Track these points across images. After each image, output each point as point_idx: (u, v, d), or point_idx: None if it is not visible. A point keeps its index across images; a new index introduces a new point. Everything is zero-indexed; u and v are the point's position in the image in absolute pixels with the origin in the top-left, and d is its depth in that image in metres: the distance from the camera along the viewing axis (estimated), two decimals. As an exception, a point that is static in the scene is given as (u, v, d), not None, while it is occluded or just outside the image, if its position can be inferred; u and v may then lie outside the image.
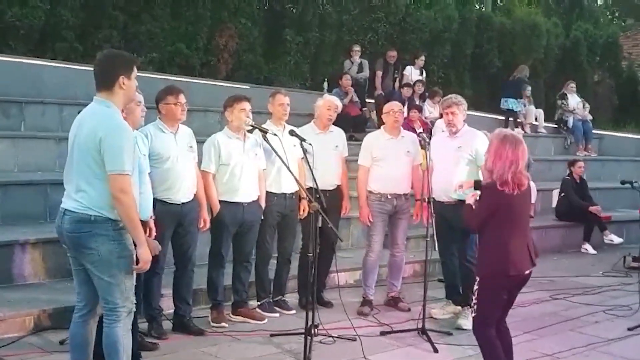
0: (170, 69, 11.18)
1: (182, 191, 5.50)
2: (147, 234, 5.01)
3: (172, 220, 5.45)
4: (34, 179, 7.32)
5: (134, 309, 4.09)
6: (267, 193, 6.15)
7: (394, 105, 6.70)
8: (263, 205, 6.09)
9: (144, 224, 4.72)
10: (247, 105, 5.92)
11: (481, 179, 5.92)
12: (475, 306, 4.58)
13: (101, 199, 3.81)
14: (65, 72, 9.49)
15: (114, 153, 3.76)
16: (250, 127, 5.89)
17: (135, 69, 3.99)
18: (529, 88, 14.82)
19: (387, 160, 6.44)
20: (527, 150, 4.55)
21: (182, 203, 5.50)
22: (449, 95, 6.52)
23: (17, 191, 7.02)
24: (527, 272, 4.54)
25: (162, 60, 11.27)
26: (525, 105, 14.34)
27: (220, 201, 5.86)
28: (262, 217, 6.13)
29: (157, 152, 5.36)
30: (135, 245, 3.92)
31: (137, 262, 3.92)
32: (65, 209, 3.91)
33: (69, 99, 8.78)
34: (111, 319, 3.95)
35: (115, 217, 3.84)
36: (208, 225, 5.81)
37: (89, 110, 3.97)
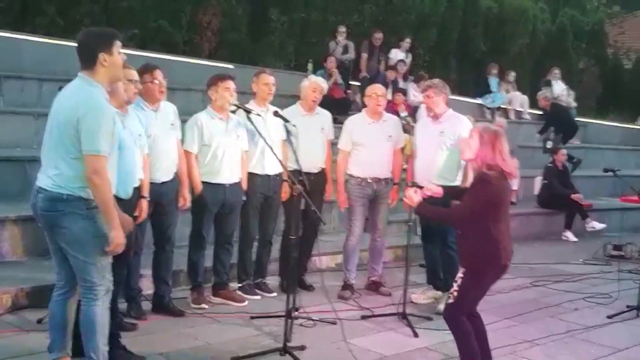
0: (153, 46, 11.03)
1: (162, 170, 5.42)
2: (138, 215, 4.97)
3: (150, 199, 5.35)
4: (12, 155, 7.20)
5: (112, 288, 4.04)
6: (251, 174, 6.08)
7: (377, 88, 6.60)
8: (245, 186, 6.03)
9: (128, 202, 4.65)
10: (231, 84, 5.83)
11: (462, 163, 5.93)
12: (456, 294, 4.52)
13: (75, 178, 3.76)
14: (46, 47, 9.33)
15: (90, 133, 3.70)
16: (234, 107, 5.82)
17: (116, 44, 3.90)
18: (513, 74, 14.84)
19: (368, 145, 6.37)
20: None
21: (161, 182, 5.42)
22: (430, 79, 6.51)
23: (-6, 167, 6.91)
24: (508, 262, 4.51)
25: (144, 37, 11.12)
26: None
27: (202, 182, 5.79)
28: (246, 199, 6.07)
29: (137, 130, 5.26)
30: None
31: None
32: (40, 187, 3.87)
33: (49, 75, 8.64)
34: (89, 298, 3.91)
35: (88, 196, 3.79)
36: (188, 203, 5.74)
37: (71, 87, 3.90)
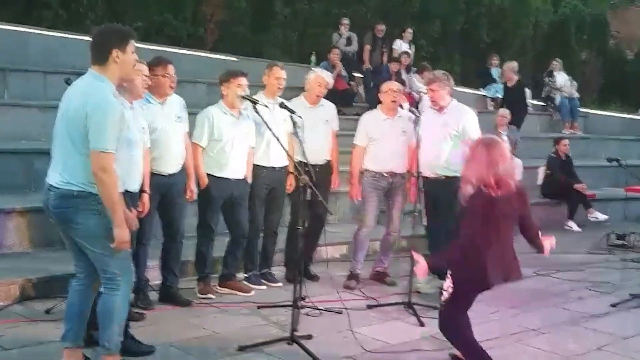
0: (157, 39, 11.04)
1: (170, 162, 5.44)
2: (141, 209, 4.99)
3: (158, 191, 5.39)
4: (18, 147, 7.24)
5: (134, 278, 4.06)
6: (256, 166, 6.11)
7: (393, 84, 6.66)
8: (250, 181, 6.06)
9: (134, 195, 4.70)
10: (244, 81, 5.84)
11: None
12: (444, 302, 4.40)
13: (84, 174, 3.77)
14: (50, 39, 9.37)
15: (98, 130, 3.70)
16: (242, 98, 5.83)
17: (132, 43, 3.91)
18: (516, 64, 14.80)
19: (384, 140, 6.40)
20: (505, 150, 4.23)
21: (169, 174, 5.45)
22: (433, 72, 6.50)
23: (0, 160, 6.94)
24: (501, 283, 4.28)
25: (149, 30, 11.12)
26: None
27: (207, 174, 5.81)
28: (251, 191, 6.08)
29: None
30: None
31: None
32: (50, 185, 3.88)
33: (54, 67, 8.67)
34: (110, 287, 3.93)
35: (98, 191, 3.79)
36: (195, 196, 5.76)
37: (80, 83, 3.91)
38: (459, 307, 4.38)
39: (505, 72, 12.16)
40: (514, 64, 12.21)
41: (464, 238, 4.19)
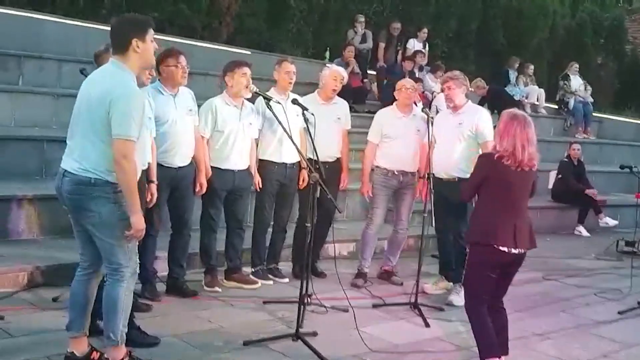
0: (171, 30, 11.04)
1: (179, 155, 5.45)
2: (149, 199, 5.00)
3: (168, 183, 5.40)
4: (31, 134, 7.25)
5: (138, 270, 4.07)
6: (268, 162, 6.12)
7: (407, 82, 6.67)
8: (254, 173, 6.06)
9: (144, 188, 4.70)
10: (247, 70, 5.84)
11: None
12: (464, 280, 4.63)
13: (102, 161, 3.77)
14: (65, 27, 9.36)
15: (122, 117, 3.71)
16: (254, 94, 5.82)
17: (150, 31, 3.91)
18: (532, 67, 14.74)
19: (398, 139, 6.41)
20: (533, 127, 4.53)
21: (179, 167, 5.45)
22: (451, 71, 6.50)
23: (13, 146, 6.96)
24: (512, 250, 4.41)
25: (163, 21, 11.11)
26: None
27: (212, 167, 5.81)
28: (262, 186, 6.10)
29: (155, 115, 5.28)
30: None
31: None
32: (65, 170, 3.87)
33: (69, 55, 8.68)
34: (115, 279, 3.93)
35: (114, 180, 3.80)
36: (204, 189, 5.76)
37: (103, 70, 3.92)
38: (473, 285, 4.55)
39: (476, 90, 12.10)
40: (479, 82, 12.18)
41: (467, 184, 4.69)
